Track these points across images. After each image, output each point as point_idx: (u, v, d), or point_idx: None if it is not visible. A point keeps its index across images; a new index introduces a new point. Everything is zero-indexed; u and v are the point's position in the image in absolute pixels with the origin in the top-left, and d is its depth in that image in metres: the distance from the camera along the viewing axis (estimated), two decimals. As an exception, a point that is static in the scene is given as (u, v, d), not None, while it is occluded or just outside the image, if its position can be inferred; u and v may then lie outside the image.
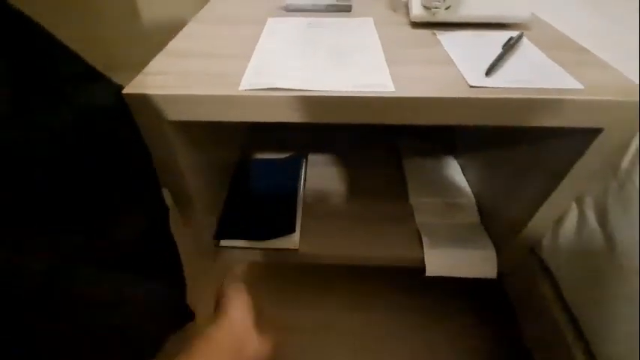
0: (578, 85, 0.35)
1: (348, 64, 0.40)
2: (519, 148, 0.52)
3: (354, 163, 0.76)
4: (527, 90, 0.35)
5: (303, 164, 0.73)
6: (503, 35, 0.45)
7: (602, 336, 0.41)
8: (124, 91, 0.35)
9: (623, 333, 0.38)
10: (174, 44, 0.45)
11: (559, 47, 0.44)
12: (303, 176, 0.70)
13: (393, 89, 0.35)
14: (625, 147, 0.38)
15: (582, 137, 0.39)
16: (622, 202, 0.38)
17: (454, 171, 0.73)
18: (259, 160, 0.74)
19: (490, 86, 0.35)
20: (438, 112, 0.35)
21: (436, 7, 0.46)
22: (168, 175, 0.44)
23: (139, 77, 0.38)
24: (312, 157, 0.76)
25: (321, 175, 0.73)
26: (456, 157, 0.76)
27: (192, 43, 0.46)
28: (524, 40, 0.45)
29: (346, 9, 0.57)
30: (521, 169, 0.52)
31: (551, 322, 0.49)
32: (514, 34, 0.45)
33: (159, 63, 0.41)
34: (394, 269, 0.59)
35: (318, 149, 0.79)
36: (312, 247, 0.59)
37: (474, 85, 0.36)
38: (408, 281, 0.71)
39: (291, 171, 0.69)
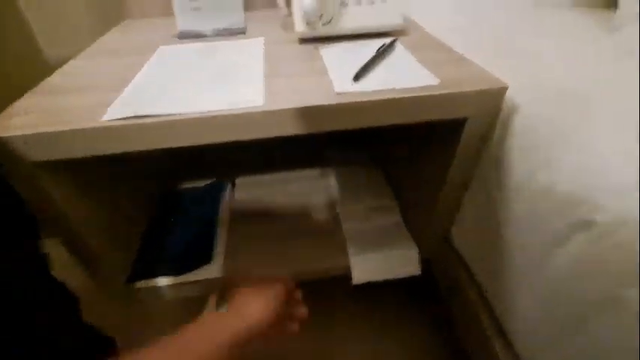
0: (436, 81, 0.38)
1: (226, 84, 0.40)
2: (416, 146, 0.55)
3: (283, 179, 0.76)
4: (390, 91, 0.37)
5: (228, 189, 0.71)
6: (381, 42, 0.48)
7: (509, 311, 0.42)
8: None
9: (523, 307, 0.39)
10: (47, 82, 0.43)
11: (428, 48, 0.48)
12: (227, 201, 0.69)
13: (262, 103, 0.35)
14: (492, 131, 0.41)
15: (454, 128, 0.41)
16: (500, 179, 0.40)
17: (378, 177, 0.75)
18: (181, 190, 0.71)
19: (355, 91, 0.37)
20: (306, 121, 0.36)
21: (314, 24, 0.49)
22: (60, 229, 0.41)
23: (-4, 120, 0.35)
24: (240, 180, 0.75)
25: (249, 196, 0.72)
26: (381, 163, 0.78)
27: (67, 78, 0.44)
28: (398, 44, 0.49)
29: (240, 32, 0.58)
30: (420, 164, 0.55)
31: (469, 307, 0.50)
32: (391, 39, 0.48)
33: (24, 103, 0.39)
34: (337, 280, 0.59)
35: (247, 170, 0.78)
36: (238, 272, 0.57)
37: (339, 91, 0.37)
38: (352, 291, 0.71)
39: (212, 199, 0.67)
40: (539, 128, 0.35)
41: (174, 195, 0.70)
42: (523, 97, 0.37)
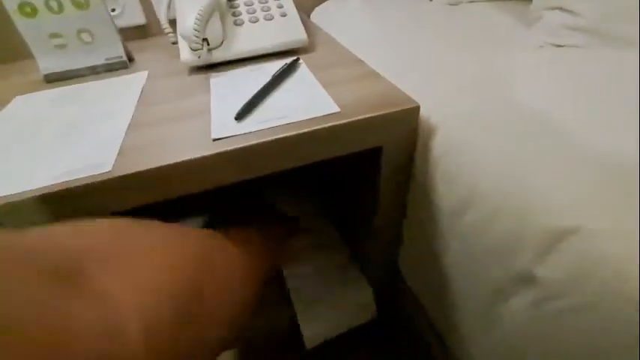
0: (335, 109, 0.31)
1: (74, 143, 0.31)
2: (346, 174, 0.49)
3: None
4: (280, 128, 0.30)
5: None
6: (282, 63, 0.41)
7: (449, 325, 0.36)
8: None
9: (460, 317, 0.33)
10: None
11: (337, 65, 0.41)
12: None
13: (110, 169, 0.27)
14: (411, 158, 0.35)
15: (373, 155, 0.35)
16: (431, 211, 0.34)
17: (319, 212, 0.68)
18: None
19: (236, 134, 0.29)
20: (171, 182, 0.27)
21: (199, 49, 0.41)
22: None
23: None
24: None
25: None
26: (320, 197, 0.71)
27: None
28: (301, 64, 0.42)
29: (122, 66, 0.49)
30: (355, 192, 0.48)
31: (419, 335, 0.44)
32: (292, 59, 0.41)
33: None
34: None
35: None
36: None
37: (216, 136, 0.29)
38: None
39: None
40: (461, 153, 0.29)
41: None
42: (440, 118, 0.31)
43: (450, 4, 0.54)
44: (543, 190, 0.22)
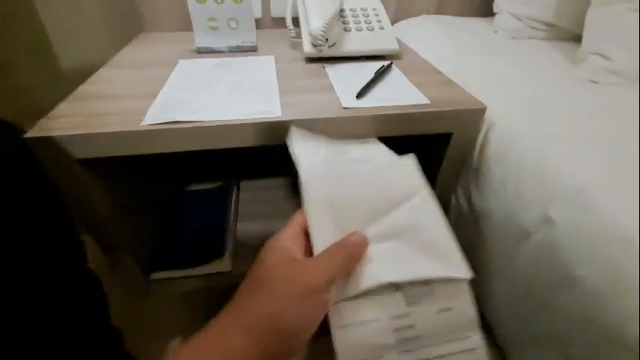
0: (426, 101, 0.45)
1: (246, 96, 0.46)
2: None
3: (283, 183, 0.82)
4: (388, 107, 0.43)
5: (234, 191, 0.76)
6: (379, 65, 0.55)
7: (486, 300, 0.48)
8: (27, 136, 0.37)
9: (498, 294, 0.46)
10: (82, 89, 0.48)
11: (420, 72, 0.55)
12: (234, 203, 0.74)
13: (280, 114, 0.41)
14: (473, 144, 0.48)
15: (443, 140, 0.48)
16: (478, 184, 0.47)
17: None
18: (191, 191, 0.76)
19: (359, 106, 0.43)
20: (318, 130, 0.42)
21: (321, 46, 0.55)
22: (88, 219, 0.46)
23: (43, 121, 0.40)
24: (245, 183, 0.81)
25: (253, 198, 0.77)
26: None
27: (100, 86, 0.49)
28: (394, 67, 0.56)
29: (252, 49, 0.64)
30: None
31: None
32: (388, 62, 0.55)
33: (64, 107, 0.44)
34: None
35: (251, 175, 0.84)
36: (245, 268, 0.62)
37: (346, 106, 0.43)
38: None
39: (221, 199, 0.72)
40: (509, 144, 0.42)
41: (185, 195, 0.74)
42: (499, 117, 0.45)
43: (513, 37, 0.67)
44: (561, 160, 0.35)
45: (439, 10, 0.81)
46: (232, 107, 0.43)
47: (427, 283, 0.26)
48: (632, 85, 0.46)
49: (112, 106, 0.43)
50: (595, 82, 0.49)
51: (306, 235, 0.28)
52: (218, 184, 0.77)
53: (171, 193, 0.75)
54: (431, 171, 0.53)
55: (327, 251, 0.26)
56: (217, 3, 0.60)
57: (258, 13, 0.77)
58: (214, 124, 0.40)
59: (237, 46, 0.64)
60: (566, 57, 0.59)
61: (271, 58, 0.60)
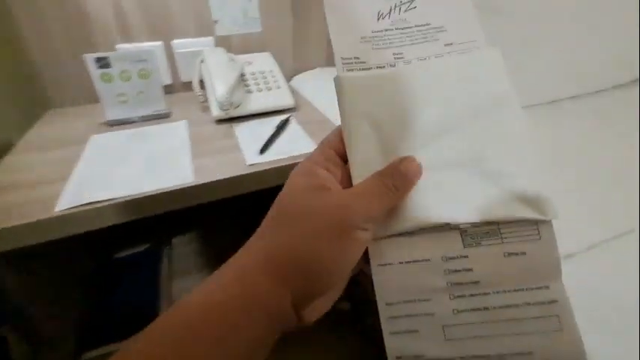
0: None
1: (161, 165, 0.51)
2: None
3: (216, 236, 0.86)
4: (286, 159, 0.53)
5: (165, 250, 0.78)
6: (280, 118, 0.65)
7: None
8: None
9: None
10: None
11: (313, 121, 0.66)
12: (166, 262, 0.75)
13: (192, 179, 0.48)
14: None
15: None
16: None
17: None
18: (118, 258, 0.76)
19: (262, 161, 0.52)
20: (228, 188, 0.49)
21: (227, 109, 0.63)
22: (6, 313, 0.45)
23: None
24: (178, 239, 0.83)
25: (187, 254, 0.80)
26: None
27: (9, 176, 0.50)
28: (292, 120, 0.66)
29: (164, 116, 0.70)
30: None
31: None
32: (287, 116, 0.66)
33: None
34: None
35: (183, 229, 0.86)
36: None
37: (250, 163, 0.51)
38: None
39: (151, 261, 0.74)
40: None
41: (113, 263, 0.74)
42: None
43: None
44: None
45: (330, 63, 0.96)
46: (147, 179, 0.48)
47: (492, 222, 0.21)
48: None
49: (21, 196, 0.45)
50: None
51: (343, 160, 0.23)
52: (146, 246, 0.78)
53: (98, 264, 0.73)
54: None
55: (368, 181, 0.21)
56: (124, 80, 0.65)
57: (167, 79, 0.83)
58: (130, 198, 0.44)
59: (150, 115, 0.69)
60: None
61: (184, 123, 0.66)
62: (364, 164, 0.22)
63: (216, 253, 0.78)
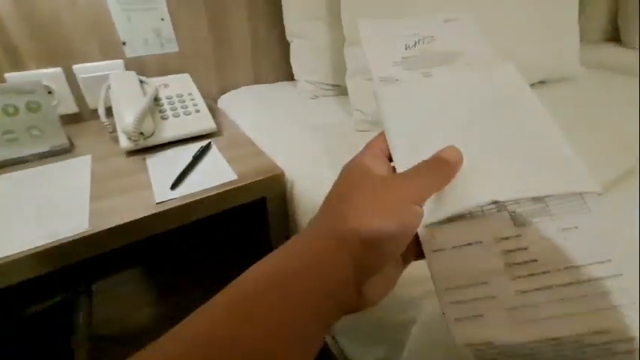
0: (234, 177, 0.52)
1: (53, 213, 0.45)
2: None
3: (150, 275, 0.79)
4: (198, 193, 0.49)
5: (82, 300, 0.69)
6: (200, 145, 0.61)
7: None
8: None
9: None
10: None
11: (237, 146, 0.64)
12: (84, 313, 0.67)
13: (87, 227, 0.42)
14: (284, 202, 0.58)
15: (262, 204, 0.56)
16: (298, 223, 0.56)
17: None
18: (23, 317, 0.65)
19: (173, 197, 0.48)
20: (131, 233, 0.44)
21: (136, 140, 0.58)
22: None
23: None
24: (99, 285, 0.74)
25: (111, 299, 0.72)
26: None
27: None
28: (213, 146, 0.63)
29: (65, 151, 0.62)
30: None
31: None
32: (207, 142, 0.62)
33: None
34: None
35: (104, 273, 0.77)
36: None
37: (159, 201, 0.47)
38: None
39: (65, 315, 0.65)
40: (304, 195, 0.53)
41: (18, 323, 0.63)
42: (297, 176, 0.55)
43: (312, 98, 0.82)
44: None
45: (257, 80, 0.94)
46: (40, 230, 0.42)
47: (539, 199, 0.21)
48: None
49: None
50: (360, 130, 0.65)
51: (389, 159, 0.25)
52: (58, 298, 0.69)
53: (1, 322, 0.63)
54: (265, 229, 0.61)
55: (415, 168, 0.23)
56: (9, 115, 0.57)
57: (73, 107, 0.75)
58: (13, 260, 0.38)
59: (46, 152, 0.61)
60: (347, 110, 0.76)
61: (87, 159, 0.59)
62: (407, 159, 0.24)
63: (140, 300, 0.71)
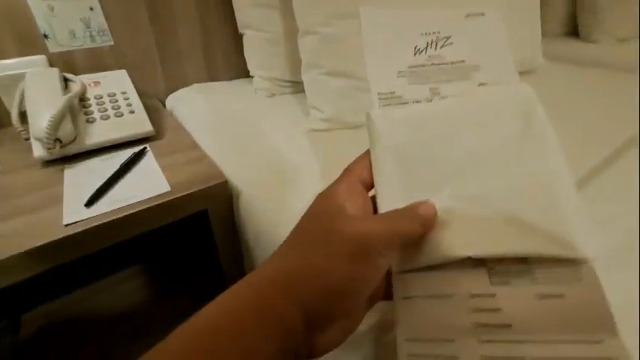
0: (167, 188, 0.45)
1: None
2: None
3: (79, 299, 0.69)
4: (122, 209, 0.41)
5: (6, 333, 0.59)
6: (132, 152, 0.53)
7: None
8: None
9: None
10: None
11: (178, 150, 0.56)
12: (7, 348, 0.57)
13: (-33, 261, 0.34)
14: (229, 213, 0.51)
15: (204, 217, 0.49)
16: (249, 246, 0.50)
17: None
18: None
19: (87, 217, 0.40)
20: (32, 262, 0.36)
21: (51, 148, 0.49)
22: None
23: None
24: (29, 316, 0.64)
25: (40, 333, 0.62)
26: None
27: None
28: (148, 152, 0.55)
29: (-33, 163, 0.52)
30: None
31: None
32: (141, 148, 0.54)
33: None
34: None
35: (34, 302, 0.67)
36: None
37: (68, 222, 0.39)
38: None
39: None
40: (250, 205, 0.46)
41: None
42: (242, 183, 0.49)
43: (269, 96, 0.76)
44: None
45: (212, 77, 0.86)
46: None
47: (522, 260, 0.19)
48: (341, 129, 0.58)
49: None
50: (315, 130, 0.59)
51: (365, 187, 0.24)
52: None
53: None
54: (212, 242, 0.53)
55: (391, 215, 0.22)
56: None
57: (-14, 111, 0.64)
58: None
59: (-58, 165, 0.51)
60: (304, 109, 0.69)
61: (-8, 172, 0.50)
62: (390, 196, 0.23)
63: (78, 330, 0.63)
